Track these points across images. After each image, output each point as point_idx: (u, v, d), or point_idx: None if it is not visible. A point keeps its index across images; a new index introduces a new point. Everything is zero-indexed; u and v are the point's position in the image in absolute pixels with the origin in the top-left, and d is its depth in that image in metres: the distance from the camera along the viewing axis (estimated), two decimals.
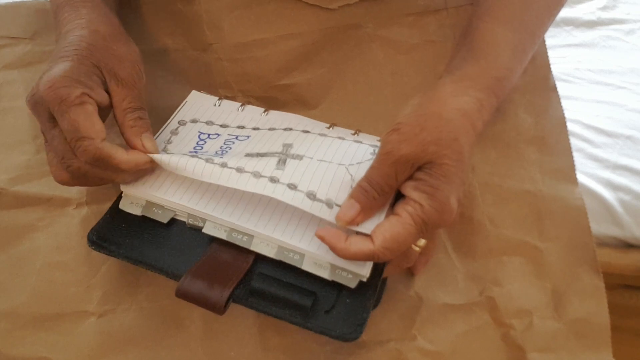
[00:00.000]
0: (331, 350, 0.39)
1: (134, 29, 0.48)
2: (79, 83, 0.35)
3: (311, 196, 0.35)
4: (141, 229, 0.39)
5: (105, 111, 0.38)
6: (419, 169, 0.33)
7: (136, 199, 0.40)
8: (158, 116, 0.43)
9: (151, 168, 0.39)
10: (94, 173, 0.37)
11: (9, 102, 0.50)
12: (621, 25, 0.82)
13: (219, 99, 0.44)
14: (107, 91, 0.38)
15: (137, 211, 0.40)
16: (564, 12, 0.86)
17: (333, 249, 0.33)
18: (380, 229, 0.32)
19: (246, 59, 0.46)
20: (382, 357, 0.38)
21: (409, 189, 0.33)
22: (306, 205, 0.35)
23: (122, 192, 0.40)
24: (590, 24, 0.83)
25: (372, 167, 0.34)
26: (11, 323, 0.42)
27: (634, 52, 0.78)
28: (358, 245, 0.32)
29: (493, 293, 0.39)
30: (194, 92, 0.45)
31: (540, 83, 0.42)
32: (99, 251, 0.39)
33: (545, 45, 0.42)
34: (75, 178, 0.37)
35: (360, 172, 0.36)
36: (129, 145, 0.38)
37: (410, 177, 0.33)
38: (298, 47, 0.44)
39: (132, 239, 0.39)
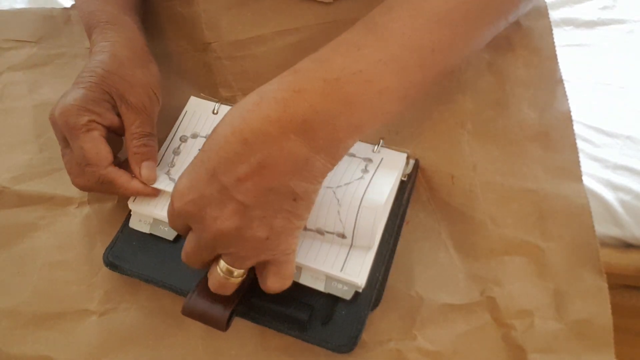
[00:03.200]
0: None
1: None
2: (87, 111, 0.37)
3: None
4: (150, 246, 0.40)
5: (121, 131, 0.40)
6: None
7: (144, 216, 0.41)
8: (162, 115, 0.43)
9: (155, 192, 0.40)
10: (98, 189, 0.39)
11: (12, 102, 0.50)
12: (621, 25, 0.80)
13: (218, 103, 0.43)
14: (119, 114, 0.39)
15: (145, 229, 0.41)
16: (564, 12, 0.85)
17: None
18: None
19: (245, 56, 0.45)
20: (382, 357, 0.38)
21: None
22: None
23: (130, 210, 0.41)
24: (590, 24, 0.82)
25: None
26: (12, 322, 0.42)
27: (634, 52, 0.77)
28: None
29: (494, 293, 0.37)
30: (192, 98, 0.44)
31: (546, 76, 0.40)
32: (115, 271, 0.40)
33: (552, 35, 0.41)
34: (82, 189, 0.40)
35: (347, 194, 0.35)
36: (133, 168, 0.39)
37: None
38: (295, 43, 0.44)
39: (143, 256, 0.40)
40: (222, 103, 0.43)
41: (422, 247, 0.39)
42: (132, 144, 0.39)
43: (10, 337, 0.42)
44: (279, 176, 0.29)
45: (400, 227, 0.39)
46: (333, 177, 0.36)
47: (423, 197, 0.40)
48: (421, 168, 0.40)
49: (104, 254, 0.41)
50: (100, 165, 0.37)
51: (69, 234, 0.44)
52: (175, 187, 0.31)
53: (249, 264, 0.32)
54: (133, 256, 0.40)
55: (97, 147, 0.37)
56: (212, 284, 0.33)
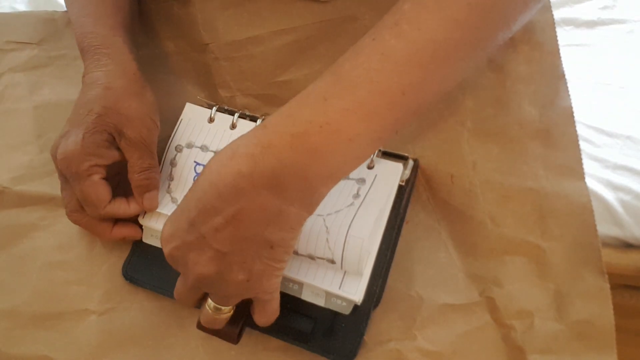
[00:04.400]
0: None
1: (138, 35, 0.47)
2: (89, 155, 0.38)
3: (294, 252, 0.36)
4: (164, 259, 0.41)
5: (124, 161, 0.41)
6: None
7: (155, 231, 0.41)
8: (162, 116, 0.42)
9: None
10: (90, 229, 0.41)
11: (13, 103, 0.50)
12: (621, 25, 0.80)
13: (215, 108, 0.42)
14: (119, 148, 0.40)
15: (157, 243, 0.42)
16: (564, 12, 0.84)
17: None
18: None
19: (242, 57, 0.45)
20: (382, 356, 0.37)
21: None
22: (294, 261, 0.37)
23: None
24: (590, 24, 0.81)
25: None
26: (11, 322, 0.42)
27: (634, 52, 0.76)
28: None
29: (493, 293, 0.37)
30: (188, 105, 0.43)
31: (548, 71, 0.38)
32: (135, 284, 0.42)
33: (555, 29, 0.40)
34: (76, 223, 0.42)
35: (336, 221, 0.35)
36: (136, 198, 0.41)
37: None
38: (292, 43, 0.43)
39: (158, 270, 0.41)
40: (219, 106, 0.43)
41: (422, 246, 0.39)
42: (134, 177, 0.40)
43: (10, 337, 0.41)
44: (253, 227, 0.30)
45: (398, 234, 0.38)
46: (324, 205, 0.36)
47: (423, 197, 0.40)
48: (421, 167, 0.40)
49: (122, 268, 0.42)
50: (100, 206, 0.39)
51: (70, 235, 0.43)
52: (162, 233, 0.33)
53: (234, 301, 0.34)
54: (149, 270, 0.41)
55: (97, 190, 0.38)
56: (203, 320, 0.35)
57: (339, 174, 0.31)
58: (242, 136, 0.31)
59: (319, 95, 0.30)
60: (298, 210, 0.30)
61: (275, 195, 0.29)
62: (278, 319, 0.36)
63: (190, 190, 0.31)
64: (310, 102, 0.30)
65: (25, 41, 0.52)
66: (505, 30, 0.31)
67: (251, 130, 0.30)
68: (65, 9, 0.53)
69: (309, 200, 0.30)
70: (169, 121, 0.43)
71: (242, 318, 0.37)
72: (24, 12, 0.56)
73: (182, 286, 0.34)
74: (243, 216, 0.29)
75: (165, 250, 0.32)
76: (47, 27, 0.52)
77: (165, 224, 0.33)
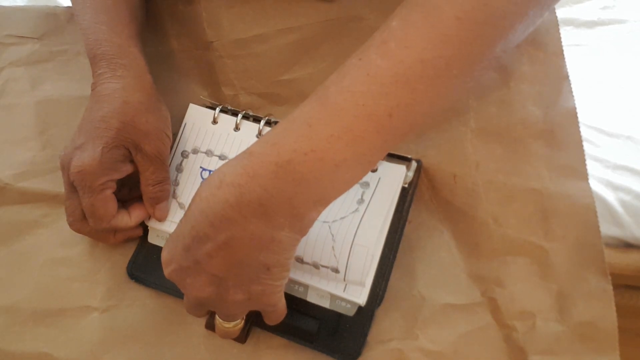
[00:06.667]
0: None
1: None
2: (106, 169, 0.38)
3: (299, 260, 0.36)
4: None
5: (136, 173, 0.41)
6: None
7: (161, 232, 0.42)
8: None
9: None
10: (94, 236, 0.42)
11: (14, 98, 0.49)
12: (621, 25, 0.79)
13: (218, 109, 0.42)
14: (133, 160, 0.40)
15: (162, 243, 0.42)
16: (564, 12, 0.84)
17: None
18: None
19: (246, 55, 0.44)
20: (383, 356, 0.37)
21: None
22: (297, 270, 0.37)
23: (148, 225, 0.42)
24: (590, 24, 0.80)
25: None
26: (10, 318, 0.41)
27: (634, 52, 0.76)
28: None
29: (495, 294, 0.36)
30: (191, 106, 0.43)
31: (552, 72, 0.38)
32: (139, 283, 0.42)
33: (559, 30, 0.39)
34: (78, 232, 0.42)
35: (341, 229, 0.35)
36: (147, 208, 0.41)
37: None
38: (297, 41, 0.43)
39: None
40: (222, 107, 0.42)
41: (425, 246, 0.38)
42: (148, 189, 0.40)
43: (8, 334, 0.41)
44: (246, 252, 0.30)
45: (400, 234, 0.38)
46: (329, 211, 0.36)
47: (425, 196, 0.40)
48: (423, 167, 0.39)
49: (127, 267, 0.42)
50: (105, 220, 0.39)
51: (73, 232, 0.43)
52: (161, 256, 0.33)
53: (238, 317, 0.35)
54: (154, 269, 0.41)
55: (106, 205, 0.38)
56: (218, 333, 0.37)
57: (328, 198, 0.30)
58: (229, 162, 0.30)
59: (304, 121, 0.29)
60: (289, 234, 0.30)
61: (264, 223, 0.29)
62: (284, 319, 0.36)
63: (184, 216, 0.31)
64: (295, 129, 0.29)
65: (26, 35, 0.51)
66: (503, 42, 0.30)
67: (238, 156, 0.30)
68: (64, 5, 0.52)
69: (299, 224, 0.30)
70: (172, 119, 0.43)
71: (250, 318, 0.37)
72: (26, 6, 0.54)
73: (187, 304, 0.34)
74: (235, 243, 0.29)
75: (165, 273, 0.33)
76: (49, 21, 0.51)
77: (164, 247, 0.33)
